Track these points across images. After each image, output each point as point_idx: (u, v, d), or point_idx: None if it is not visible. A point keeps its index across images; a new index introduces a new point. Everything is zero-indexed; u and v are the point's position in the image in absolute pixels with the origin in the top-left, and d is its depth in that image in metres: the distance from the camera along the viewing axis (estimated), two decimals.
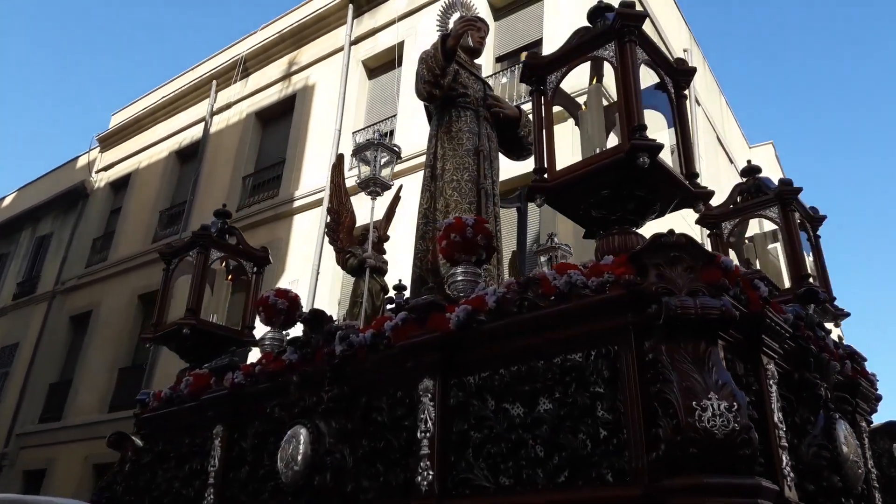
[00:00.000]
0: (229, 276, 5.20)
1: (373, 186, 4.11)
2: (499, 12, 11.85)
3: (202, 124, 16.13)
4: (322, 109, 13.61)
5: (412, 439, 2.93)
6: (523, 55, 10.88)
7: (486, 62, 11.13)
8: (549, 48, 9.85)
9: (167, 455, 4.24)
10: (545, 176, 2.96)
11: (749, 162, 4.68)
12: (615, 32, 2.91)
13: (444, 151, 4.86)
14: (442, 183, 4.74)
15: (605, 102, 3.13)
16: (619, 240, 2.81)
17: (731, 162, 16.20)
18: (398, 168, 10.25)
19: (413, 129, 11.07)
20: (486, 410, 2.76)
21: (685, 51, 14.08)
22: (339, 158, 4.26)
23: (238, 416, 3.84)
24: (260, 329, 5.23)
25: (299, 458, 3.21)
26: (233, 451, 3.79)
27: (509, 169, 8.44)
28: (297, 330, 4.45)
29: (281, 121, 14.73)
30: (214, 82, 16.17)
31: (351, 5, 13.73)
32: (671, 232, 2.50)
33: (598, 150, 2.95)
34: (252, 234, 12.86)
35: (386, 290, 4.16)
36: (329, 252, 10.83)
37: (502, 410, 2.72)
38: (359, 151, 4.20)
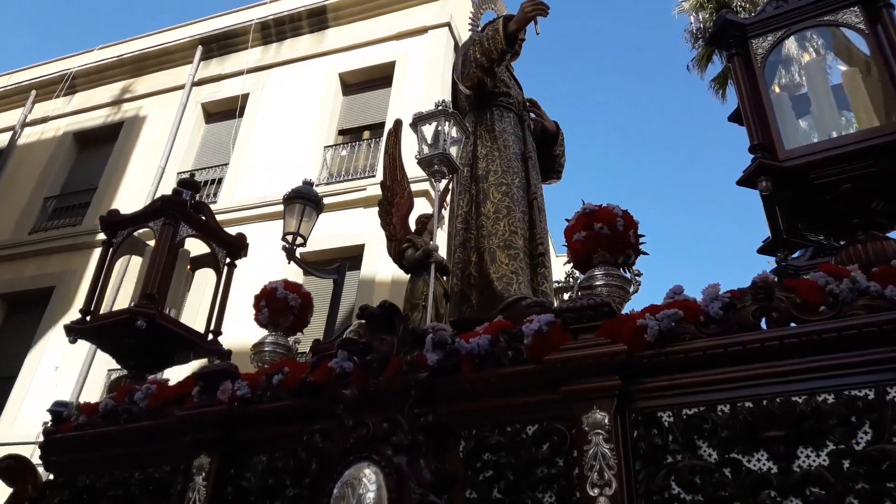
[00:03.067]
0: (190, 265, 4.02)
1: (438, 165, 3.21)
2: (348, 88, 12.09)
3: (10, 133, 14.66)
4: (149, 143, 12.95)
5: (568, 492, 2.02)
6: (365, 133, 11.45)
7: (328, 132, 11.46)
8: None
9: (99, 494, 2.95)
10: (767, 154, 2.26)
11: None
12: None
13: (488, 151, 4.09)
14: (486, 185, 3.95)
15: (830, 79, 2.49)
16: (876, 247, 2.13)
17: None
18: (261, 211, 10.30)
19: (244, 183, 11.20)
20: (701, 461, 1.93)
21: None
22: (397, 124, 3.34)
23: (236, 445, 2.70)
24: (233, 335, 4.08)
25: None
26: (224, 493, 2.63)
27: (327, 239, 8.66)
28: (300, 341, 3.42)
29: (101, 147, 13.77)
30: (34, 92, 14.87)
31: (200, 47, 13.40)
32: None
33: (833, 134, 2.30)
34: (44, 260, 12.17)
35: (448, 297, 3.22)
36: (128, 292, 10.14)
37: (731, 462, 1.90)
38: (422, 121, 3.30)
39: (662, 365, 2.06)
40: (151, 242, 3.97)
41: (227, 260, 3.99)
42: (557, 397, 2.16)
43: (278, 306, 3.17)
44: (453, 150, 3.26)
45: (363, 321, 2.63)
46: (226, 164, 11.91)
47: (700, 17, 17.74)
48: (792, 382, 1.91)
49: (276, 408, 2.66)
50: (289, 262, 6.66)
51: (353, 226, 9.83)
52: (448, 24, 11.64)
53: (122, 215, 3.89)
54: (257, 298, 3.23)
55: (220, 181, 11.76)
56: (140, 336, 3.38)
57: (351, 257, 9.43)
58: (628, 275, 2.55)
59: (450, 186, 4.15)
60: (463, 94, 4.34)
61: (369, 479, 2.26)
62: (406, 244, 3.03)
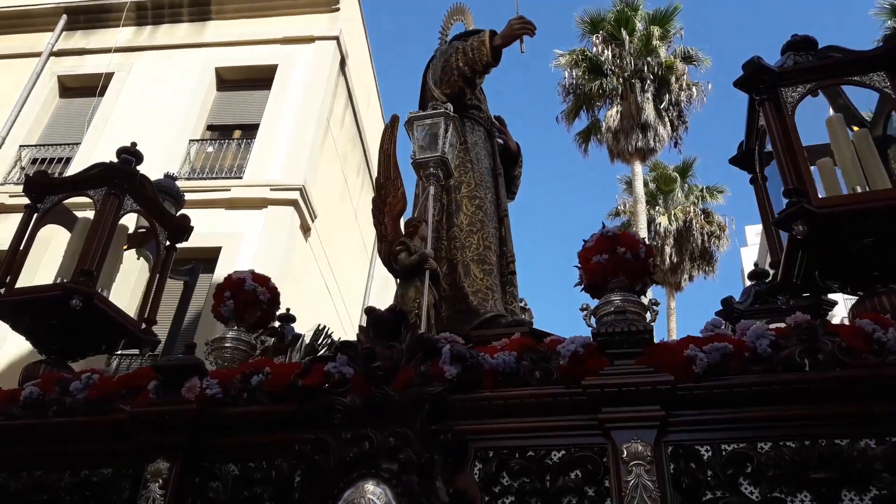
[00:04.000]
0: (126, 245, 3.60)
1: (434, 169, 3.06)
2: (224, 84, 11.64)
3: None
4: None
5: None
6: (236, 132, 11.07)
7: (196, 125, 10.92)
8: (263, 135, 10.42)
9: (17, 497, 2.50)
10: (804, 199, 2.30)
11: None
12: (890, 59, 2.45)
13: (461, 162, 3.98)
14: (459, 196, 3.84)
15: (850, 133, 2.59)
16: (893, 300, 2.22)
17: None
18: None
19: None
20: (744, 498, 1.89)
21: None
22: (394, 120, 3.15)
23: (201, 450, 2.39)
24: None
25: None
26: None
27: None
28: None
29: None
30: None
31: (65, 15, 12.35)
32: None
33: (857, 189, 2.39)
34: None
35: (439, 308, 3.05)
36: None
37: (775, 502, 1.88)
38: (418, 120, 3.13)
39: (705, 398, 2.02)
40: (80, 212, 3.55)
41: (167, 242, 3.61)
42: (588, 422, 2.08)
43: (245, 299, 2.86)
44: (449, 155, 3.12)
45: (364, 325, 2.42)
46: (78, 144, 10.84)
47: (574, 73, 18.92)
48: (835, 426, 1.93)
49: (254, 412, 2.38)
50: (138, 258, 6.16)
51: (211, 227, 9.19)
52: (337, 39, 11.47)
53: (54, 178, 3.43)
54: (220, 289, 2.90)
55: (68, 161, 10.58)
56: (70, 317, 2.95)
57: (206, 259, 8.92)
58: (645, 302, 2.51)
59: (417, 193, 3.99)
60: (438, 100, 4.21)
61: (378, 496, 2.04)
62: (400, 247, 2.84)
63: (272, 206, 9.62)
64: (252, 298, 2.88)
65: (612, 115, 18.33)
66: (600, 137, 18.86)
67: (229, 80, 11.58)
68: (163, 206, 3.60)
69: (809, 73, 2.55)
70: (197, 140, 10.77)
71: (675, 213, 20.55)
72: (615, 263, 2.47)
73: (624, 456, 1.96)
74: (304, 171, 10.02)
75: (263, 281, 2.98)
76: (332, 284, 10.76)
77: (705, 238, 20.14)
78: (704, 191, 21.64)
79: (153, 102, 11.04)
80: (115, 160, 3.32)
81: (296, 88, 10.92)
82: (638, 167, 18.43)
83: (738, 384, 2.00)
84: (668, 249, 20.00)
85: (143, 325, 3.34)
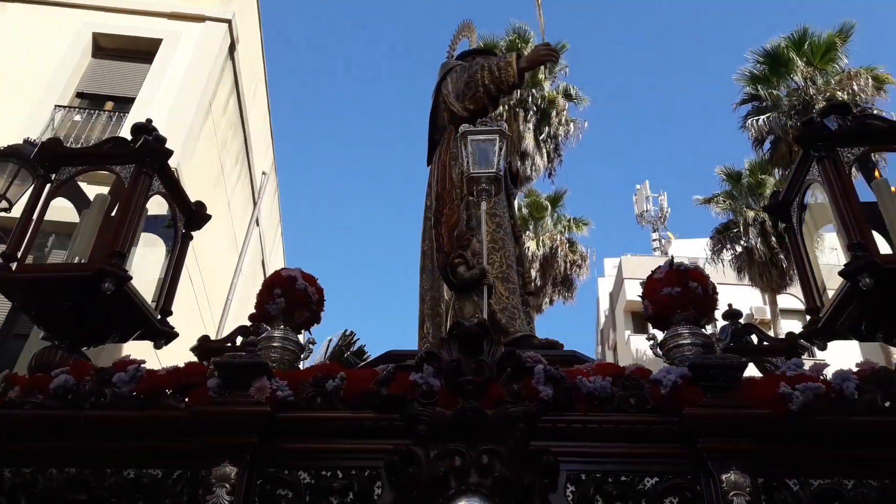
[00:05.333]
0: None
1: (486, 184, 3.06)
2: (101, 51, 10.90)
3: None
4: None
5: None
6: (108, 104, 10.18)
7: (65, 91, 10.12)
8: (138, 110, 9.57)
9: (48, 497, 2.28)
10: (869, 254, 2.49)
11: None
12: None
13: None
14: (479, 212, 3.85)
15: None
16: None
17: None
18: None
19: None
20: None
21: (264, 173, 14.58)
22: (449, 132, 3.13)
23: (268, 455, 2.27)
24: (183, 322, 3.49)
25: None
26: None
27: None
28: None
29: None
30: None
31: None
32: None
33: None
34: None
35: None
36: None
37: None
38: (472, 135, 3.13)
39: (795, 434, 2.14)
40: (88, 188, 3.32)
41: (184, 230, 3.43)
42: (681, 451, 2.15)
43: (297, 299, 2.75)
44: (502, 172, 3.15)
45: (445, 338, 2.39)
46: None
47: None
48: None
49: (334, 418, 2.29)
50: None
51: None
52: (229, 22, 10.98)
53: (72, 148, 3.20)
54: (268, 286, 2.77)
55: None
56: (92, 301, 2.74)
57: (63, 235, 8.36)
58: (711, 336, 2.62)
59: (427, 204, 3.97)
60: (455, 113, 4.17)
61: None
62: (458, 260, 2.82)
63: None
64: (303, 298, 2.78)
65: None
66: None
67: (107, 49, 10.77)
68: (183, 189, 3.41)
69: (863, 137, 2.77)
70: (64, 107, 9.89)
71: (543, 240, 21.31)
72: (686, 297, 2.57)
73: (724, 486, 2.04)
74: (178, 153, 9.07)
75: (312, 280, 2.88)
76: (196, 275, 10.16)
77: (568, 266, 21.13)
78: (571, 221, 22.59)
79: (17, 60, 10.00)
80: (145, 136, 3.10)
81: (179, 67, 10.30)
82: None
83: (827, 423, 2.13)
84: (533, 273, 20.87)
85: (160, 316, 3.14)
